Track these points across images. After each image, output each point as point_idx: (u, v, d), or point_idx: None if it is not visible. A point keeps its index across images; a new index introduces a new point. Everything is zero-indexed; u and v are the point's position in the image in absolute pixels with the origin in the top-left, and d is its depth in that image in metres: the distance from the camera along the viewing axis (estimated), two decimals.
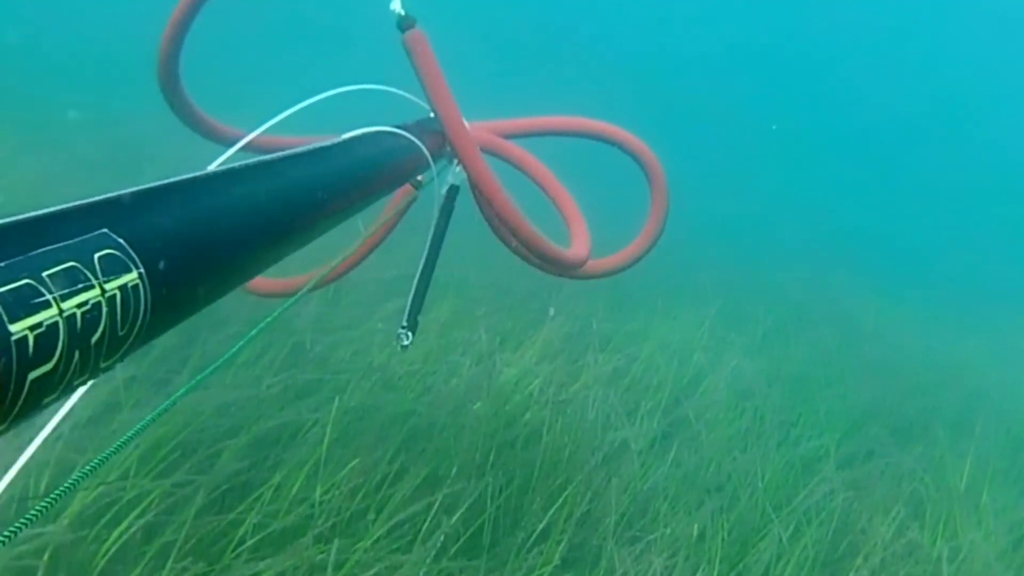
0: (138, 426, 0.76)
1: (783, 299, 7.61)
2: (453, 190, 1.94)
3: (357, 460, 2.84)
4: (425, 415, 3.32)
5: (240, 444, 2.91)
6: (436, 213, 1.95)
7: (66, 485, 0.64)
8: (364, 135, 1.33)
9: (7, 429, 0.46)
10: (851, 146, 24.16)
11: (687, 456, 3.75)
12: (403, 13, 1.44)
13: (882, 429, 4.76)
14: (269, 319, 1.20)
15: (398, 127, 1.50)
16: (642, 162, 2.16)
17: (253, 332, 0.96)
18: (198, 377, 0.89)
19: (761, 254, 9.76)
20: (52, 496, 0.61)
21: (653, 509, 3.20)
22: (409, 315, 2.00)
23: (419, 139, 1.47)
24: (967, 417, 5.33)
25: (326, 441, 2.87)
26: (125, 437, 0.73)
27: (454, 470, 2.91)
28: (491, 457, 3.09)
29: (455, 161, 1.84)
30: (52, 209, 0.53)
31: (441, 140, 1.68)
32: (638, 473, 3.38)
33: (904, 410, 5.19)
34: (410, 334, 1.97)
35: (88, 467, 0.66)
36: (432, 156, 1.55)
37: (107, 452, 0.69)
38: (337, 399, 3.03)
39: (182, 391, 0.95)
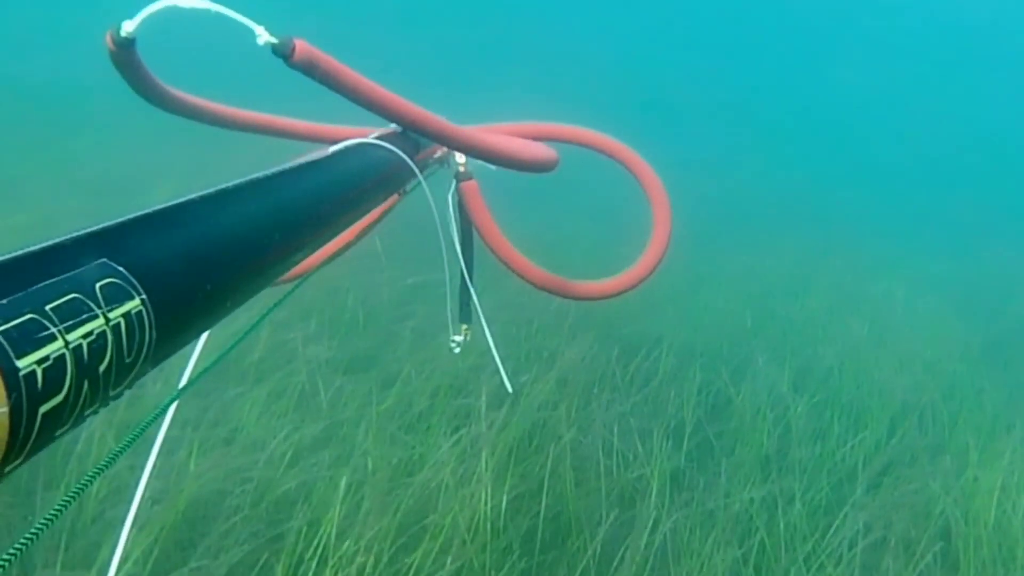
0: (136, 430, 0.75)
1: (806, 290, 7.48)
2: (463, 176, 1.91)
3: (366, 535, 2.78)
4: (434, 468, 3.24)
5: (249, 518, 2.86)
6: (454, 209, 1.93)
7: (73, 491, 0.62)
8: (350, 147, 1.33)
9: (23, 463, 0.47)
10: (866, 129, 23.77)
11: (709, 491, 3.65)
12: (275, 40, 1.18)
13: (915, 438, 4.60)
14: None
15: (379, 138, 1.46)
16: (632, 168, 2.12)
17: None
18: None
19: (782, 243, 9.56)
20: (57, 507, 0.59)
21: (673, 562, 3.10)
22: (461, 317, 2.03)
23: (399, 147, 1.43)
24: (1007, 415, 5.13)
25: (335, 523, 2.79)
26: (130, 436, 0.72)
27: (459, 542, 2.83)
28: (503, 511, 3.03)
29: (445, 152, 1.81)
30: (50, 242, 0.54)
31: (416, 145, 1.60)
32: (657, 517, 3.28)
33: (938, 412, 5.01)
34: (459, 337, 2.04)
35: (91, 474, 0.65)
36: (415, 161, 1.48)
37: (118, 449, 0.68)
38: (344, 477, 2.95)
39: (168, 400, 0.94)
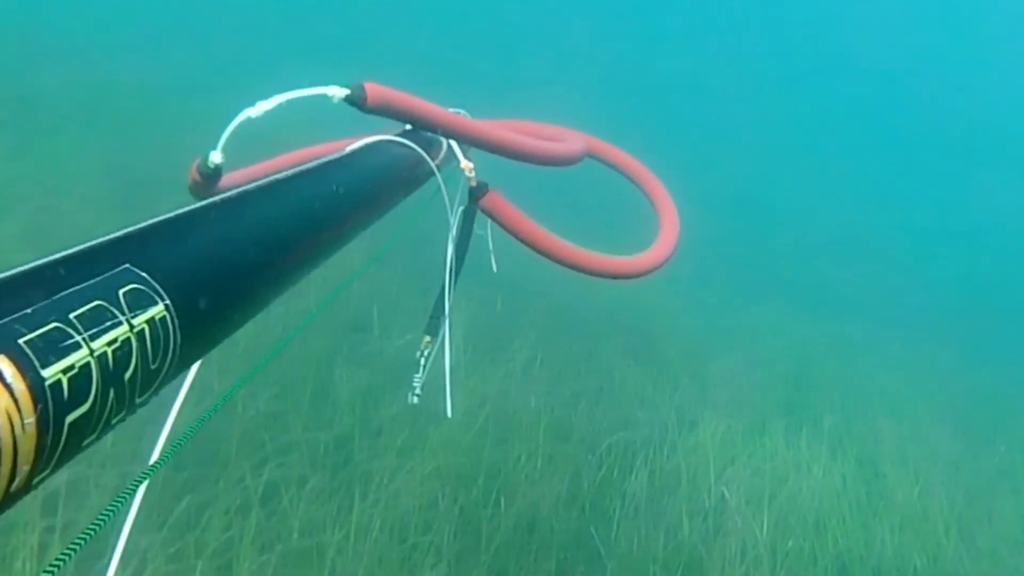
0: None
1: (797, 409, 6.81)
2: (479, 191, 1.77)
3: None
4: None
5: None
6: (456, 215, 1.84)
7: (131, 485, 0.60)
8: (368, 146, 1.33)
9: (51, 473, 0.47)
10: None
11: None
12: (348, 91, 1.22)
13: None
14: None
15: (398, 134, 1.45)
16: (632, 173, 2.11)
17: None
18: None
19: (775, 339, 8.78)
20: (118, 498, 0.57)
21: None
22: (427, 328, 1.90)
23: (418, 145, 1.42)
24: None
25: None
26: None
27: None
28: None
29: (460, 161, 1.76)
30: (72, 250, 0.54)
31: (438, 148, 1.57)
32: None
33: None
34: (420, 392, 1.90)
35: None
36: (434, 161, 1.46)
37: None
38: None
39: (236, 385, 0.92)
